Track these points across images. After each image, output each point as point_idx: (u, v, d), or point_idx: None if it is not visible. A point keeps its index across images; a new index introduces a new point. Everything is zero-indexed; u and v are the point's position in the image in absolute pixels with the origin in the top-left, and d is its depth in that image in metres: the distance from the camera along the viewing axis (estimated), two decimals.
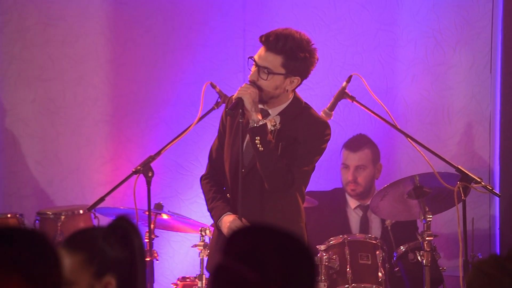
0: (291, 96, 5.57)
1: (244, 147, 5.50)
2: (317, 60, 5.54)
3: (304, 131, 5.52)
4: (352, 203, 6.76)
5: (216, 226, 5.59)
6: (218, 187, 5.65)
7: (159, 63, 7.16)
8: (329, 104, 5.87)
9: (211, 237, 5.79)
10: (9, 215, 6.45)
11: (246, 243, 2.51)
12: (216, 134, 5.73)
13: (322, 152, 5.57)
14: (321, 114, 5.80)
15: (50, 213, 6.43)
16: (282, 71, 5.43)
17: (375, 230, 6.65)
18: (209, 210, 5.62)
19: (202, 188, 5.71)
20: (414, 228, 6.47)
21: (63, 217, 6.40)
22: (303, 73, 5.50)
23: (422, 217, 5.92)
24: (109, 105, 7.18)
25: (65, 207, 6.58)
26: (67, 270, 3.03)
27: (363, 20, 7.26)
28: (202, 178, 5.73)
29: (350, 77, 5.88)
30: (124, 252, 3.21)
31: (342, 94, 5.86)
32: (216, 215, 5.55)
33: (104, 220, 6.34)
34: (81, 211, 6.43)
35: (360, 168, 6.72)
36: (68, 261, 3.06)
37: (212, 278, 2.50)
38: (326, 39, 7.13)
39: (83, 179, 7.10)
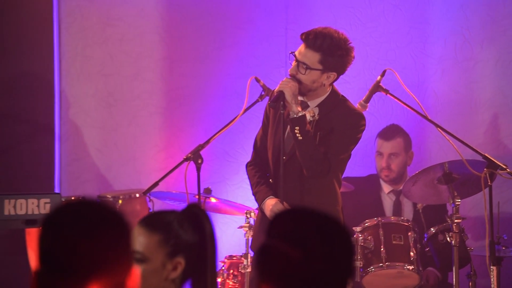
0: (328, 89, 5.57)
1: (285, 137, 5.52)
2: (354, 58, 5.55)
3: (340, 122, 5.52)
4: (386, 188, 6.73)
5: (260, 208, 5.62)
6: (262, 173, 5.66)
7: (208, 60, 7.19)
8: (364, 97, 5.85)
9: (255, 219, 5.79)
10: (73, 198, 6.49)
11: (289, 224, 2.49)
12: (260, 124, 5.75)
13: (357, 141, 5.58)
14: (357, 106, 5.78)
15: (110, 196, 6.45)
16: (319, 67, 5.43)
17: (407, 213, 6.62)
18: (254, 194, 5.64)
19: (247, 174, 5.73)
20: (444, 211, 6.43)
21: (121, 200, 6.42)
22: (340, 69, 5.51)
23: (451, 201, 5.89)
24: (163, 99, 7.21)
25: (122, 191, 6.64)
26: (143, 247, 3.15)
27: (397, 18, 7.24)
28: (247, 165, 5.75)
29: (384, 71, 5.87)
30: (195, 237, 3.27)
31: (377, 87, 5.85)
32: (260, 199, 5.57)
33: (157, 203, 6.38)
34: (137, 195, 6.42)
35: (393, 156, 6.68)
36: (145, 239, 3.16)
37: (257, 256, 2.49)
38: (362, 37, 7.11)
39: (139, 165, 7.13)
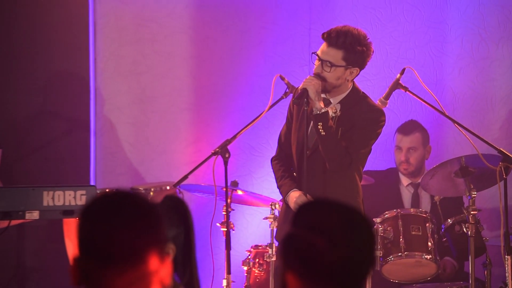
0: (350, 86, 5.58)
1: (308, 132, 5.51)
2: (373, 52, 5.57)
3: (361, 118, 5.52)
4: (405, 181, 6.71)
5: (284, 200, 5.63)
6: (286, 167, 5.66)
7: (235, 58, 7.18)
8: (384, 94, 5.84)
9: (280, 210, 5.79)
10: (107, 190, 6.51)
11: (313, 215, 2.49)
12: (285, 120, 5.76)
13: (377, 137, 5.59)
14: (378, 102, 5.78)
15: (142, 189, 6.42)
16: (343, 63, 5.44)
17: (425, 205, 6.60)
18: (278, 187, 5.65)
19: (272, 167, 5.75)
20: (460, 203, 6.41)
21: (152, 192, 6.40)
22: (361, 64, 5.52)
23: (468, 194, 5.88)
24: (192, 95, 7.20)
25: (154, 183, 6.62)
26: None
27: (415, 19, 7.20)
28: (272, 159, 5.77)
29: (403, 70, 5.85)
30: (179, 228, 3.21)
31: (396, 85, 5.83)
32: (284, 191, 5.58)
33: (187, 195, 6.37)
34: (167, 187, 6.40)
35: (412, 150, 6.67)
36: None
37: (282, 246, 2.49)
38: (382, 36, 7.11)
39: (169, 159, 7.13)
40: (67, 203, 5.73)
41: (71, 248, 6.10)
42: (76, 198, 5.75)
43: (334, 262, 2.40)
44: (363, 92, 5.63)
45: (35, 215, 5.64)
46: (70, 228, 6.08)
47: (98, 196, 2.40)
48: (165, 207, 3.18)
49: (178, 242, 3.20)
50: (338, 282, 2.42)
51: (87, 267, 2.34)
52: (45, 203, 5.62)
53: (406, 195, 6.69)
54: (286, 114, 5.77)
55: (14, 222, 5.83)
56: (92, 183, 6.95)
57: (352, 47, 5.43)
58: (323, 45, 5.49)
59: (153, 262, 2.37)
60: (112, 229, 2.34)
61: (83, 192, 5.79)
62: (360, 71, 5.53)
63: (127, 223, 2.35)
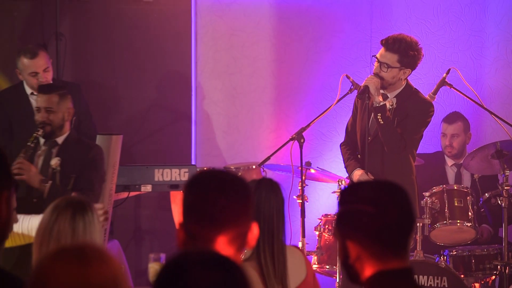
0: (404, 83, 5.58)
1: (370, 122, 5.48)
2: (423, 56, 5.52)
3: (414, 109, 5.49)
4: (449, 162, 6.62)
5: (349, 178, 5.62)
6: (352, 150, 5.66)
7: (309, 61, 7.12)
8: (433, 90, 5.80)
9: (345, 186, 5.73)
10: (205, 168, 6.49)
11: (364, 190, 2.47)
12: (349, 112, 5.75)
13: (427, 125, 5.55)
14: (427, 96, 5.70)
15: (233, 167, 6.40)
16: (398, 65, 5.42)
17: (466, 181, 6.54)
18: (345, 166, 5.66)
19: (341, 151, 5.74)
20: (496, 180, 6.25)
21: (241, 171, 6.36)
22: (413, 66, 5.48)
23: (502, 172, 5.80)
24: (273, 92, 7.18)
25: (242, 163, 6.59)
26: None
27: (459, 28, 7.12)
28: (341, 145, 5.75)
29: (448, 70, 5.79)
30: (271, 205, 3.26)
31: (443, 83, 5.79)
32: (349, 170, 5.59)
33: (269, 173, 6.37)
34: (253, 166, 6.40)
35: (455, 136, 6.56)
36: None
37: (340, 219, 2.49)
38: (431, 42, 6.98)
39: (255, 144, 7.11)
40: (173, 179, 5.80)
41: (177, 215, 6.12)
42: (181, 174, 5.82)
43: (386, 225, 2.40)
44: (415, 88, 5.57)
45: (148, 188, 5.75)
46: (176, 199, 6.11)
47: (198, 172, 2.42)
48: (264, 185, 3.21)
49: (272, 212, 3.22)
50: (387, 242, 2.41)
51: (191, 229, 2.33)
52: (156, 179, 5.75)
53: (450, 173, 6.59)
54: (351, 107, 5.73)
55: (132, 193, 5.84)
56: (193, 163, 6.92)
57: (405, 51, 5.38)
58: (382, 50, 5.46)
59: (243, 225, 2.36)
60: (211, 198, 2.33)
61: (186, 170, 5.86)
62: (412, 71, 5.47)
63: (222, 192, 2.34)
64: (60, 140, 5.21)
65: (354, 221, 2.41)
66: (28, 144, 5.12)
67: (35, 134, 5.13)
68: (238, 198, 2.35)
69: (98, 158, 5.25)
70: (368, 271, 2.40)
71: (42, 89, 5.21)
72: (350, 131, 5.70)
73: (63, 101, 5.18)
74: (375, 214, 2.39)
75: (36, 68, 5.78)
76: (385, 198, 2.42)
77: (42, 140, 5.20)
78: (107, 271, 1.86)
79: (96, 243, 1.96)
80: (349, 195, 2.47)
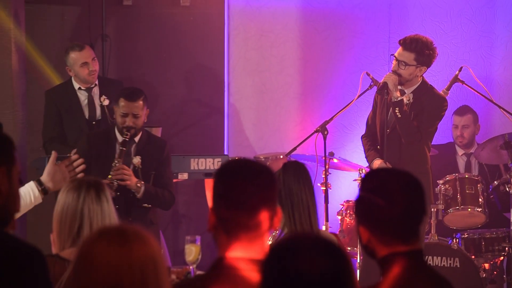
0: (420, 79, 5.53)
1: (388, 115, 5.48)
2: (437, 54, 5.49)
3: (429, 104, 5.47)
4: (460, 151, 6.60)
5: (370, 167, 5.62)
6: (372, 142, 5.65)
7: (332, 60, 7.11)
8: (446, 86, 5.77)
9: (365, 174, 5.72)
10: (236, 158, 6.44)
11: (375, 181, 2.45)
12: (371, 107, 5.73)
13: (441, 118, 5.55)
14: (441, 92, 5.69)
15: (262, 157, 6.38)
16: (414, 63, 5.40)
17: (474, 169, 6.52)
18: (366, 156, 5.66)
19: (362, 142, 5.73)
20: (505, 169, 6.26)
21: (269, 160, 6.33)
22: (428, 64, 5.46)
23: (510, 162, 5.79)
24: (299, 88, 7.15)
25: (271, 153, 6.55)
26: None
27: (470, 29, 7.08)
28: (362, 137, 5.75)
29: (461, 68, 5.78)
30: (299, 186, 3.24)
31: (456, 79, 5.77)
32: (370, 160, 5.59)
33: None
34: (281, 156, 6.28)
35: (465, 127, 6.54)
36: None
37: (354, 206, 2.53)
38: (445, 42, 6.97)
39: (282, 135, 7.08)
40: (207, 168, 5.80)
41: (210, 201, 6.14)
42: (214, 164, 5.82)
43: (393, 218, 2.36)
44: (430, 84, 5.56)
45: (185, 176, 5.78)
46: (210, 186, 6.10)
47: (227, 162, 2.38)
48: (291, 169, 3.17)
49: (301, 195, 3.18)
50: (397, 232, 2.39)
51: (221, 214, 2.27)
52: (192, 167, 5.78)
53: (461, 162, 6.56)
54: (371, 102, 5.70)
55: None
56: (225, 153, 6.90)
57: (422, 50, 5.37)
58: (399, 49, 5.44)
59: (270, 209, 2.30)
60: (239, 185, 2.28)
61: (219, 159, 5.85)
62: (427, 68, 5.45)
63: (250, 180, 2.29)
64: (136, 139, 5.18)
65: (365, 211, 2.40)
66: (121, 148, 5.03)
67: (124, 138, 5.05)
68: (264, 184, 2.30)
69: (170, 155, 5.26)
70: (380, 252, 2.39)
71: (129, 96, 5.11)
72: (370, 124, 5.69)
73: (145, 105, 5.16)
74: (384, 207, 2.36)
75: (85, 58, 5.83)
76: (395, 191, 2.37)
77: (119, 139, 5.13)
78: (146, 250, 1.87)
79: (135, 225, 1.93)
80: (364, 184, 2.44)
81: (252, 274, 2.18)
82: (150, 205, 5.19)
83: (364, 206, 2.40)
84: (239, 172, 2.30)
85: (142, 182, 5.07)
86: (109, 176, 4.95)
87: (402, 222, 2.36)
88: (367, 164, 5.66)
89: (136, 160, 5.08)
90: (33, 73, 6.48)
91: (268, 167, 2.37)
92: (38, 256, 2.19)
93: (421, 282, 2.37)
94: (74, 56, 5.85)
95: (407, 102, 5.47)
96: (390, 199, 2.36)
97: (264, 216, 2.27)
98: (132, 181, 5.01)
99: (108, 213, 3.10)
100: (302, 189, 3.28)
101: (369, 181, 2.45)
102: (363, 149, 5.74)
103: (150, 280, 1.86)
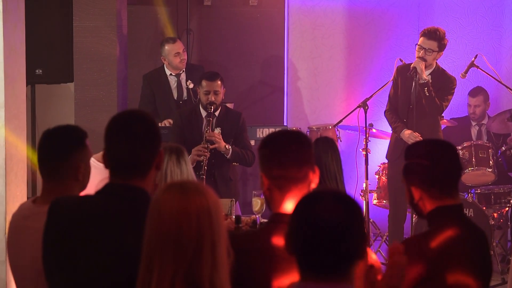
0: (435, 63, 5.64)
1: (411, 94, 5.55)
2: (447, 42, 5.58)
3: (443, 82, 5.57)
4: (473, 123, 6.60)
5: (397, 135, 5.69)
6: (396, 115, 5.66)
7: (372, 48, 7.11)
8: (464, 70, 5.89)
9: (390, 140, 5.85)
10: (294, 128, 6.20)
11: (420, 147, 2.49)
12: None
13: (452, 94, 5.61)
14: (460, 76, 5.80)
15: (314, 128, 6.38)
16: (437, 49, 5.54)
17: (485, 138, 6.51)
18: (393, 128, 5.70)
19: (386, 116, 5.75)
20: (504, 136, 6.39)
21: (320, 130, 6.30)
22: (443, 50, 5.58)
23: None
24: (345, 71, 7.18)
25: (321, 124, 6.56)
26: None
27: (483, 23, 7.14)
28: (385, 111, 5.76)
29: (476, 55, 5.91)
30: (330, 154, 3.18)
31: (472, 65, 5.87)
32: (399, 130, 5.65)
33: (342, 132, 6.37)
34: (330, 127, 6.31)
35: (476, 106, 6.53)
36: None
37: (404, 171, 2.49)
38: (463, 34, 7.10)
39: (330, 110, 7.11)
40: None
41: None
42: None
43: (439, 174, 2.40)
44: (442, 68, 5.72)
45: (252, 142, 5.69)
46: None
47: (269, 134, 2.38)
48: (322, 143, 3.23)
49: (329, 166, 3.17)
50: (443, 187, 2.42)
51: (272, 173, 2.25)
52: (258, 135, 6.10)
53: (473, 131, 6.59)
54: (392, 81, 5.70)
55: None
56: (285, 124, 6.95)
57: (441, 39, 5.53)
58: (422, 39, 5.54)
59: (311, 166, 2.30)
60: (287, 145, 2.26)
61: (280, 129, 6.08)
62: (442, 54, 5.63)
63: (294, 142, 2.27)
64: (216, 113, 5.25)
65: (415, 172, 2.42)
66: (208, 119, 5.11)
67: (209, 111, 5.13)
68: (304, 145, 2.29)
69: (245, 123, 5.32)
70: (429, 207, 2.42)
71: (210, 77, 5.17)
72: (392, 101, 5.67)
73: (222, 84, 5.24)
74: (430, 167, 2.40)
75: (178, 49, 6.00)
76: (437, 153, 2.42)
77: (203, 114, 5.23)
78: (202, 201, 1.88)
79: (195, 180, 1.94)
80: (409, 152, 2.46)
81: None
82: (237, 163, 5.31)
83: (414, 169, 2.41)
84: (281, 138, 2.29)
85: (229, 145, 5.19)
86: (204, 141, 5.11)
87: (446, 177, 2.39)
88: (396, 134, 5.69)
89: (217, 130, 5.16)
90: (133, 60, 6.62)
91: (304, 133, 2.36)
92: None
93: (464, 229, 2.41)
94: (168, 48, 6.03)
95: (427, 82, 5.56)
96: (434, 160, 2.38)
97: (307, 170, 2.26)
98: (221, 144, 5.11)
99: (186, 174, 3.14)
100: (331, 161, 3.19)
101: (414, 149, 2.46)
102: (388, 122, 5.74)
103: (205, 227, 1.87)
